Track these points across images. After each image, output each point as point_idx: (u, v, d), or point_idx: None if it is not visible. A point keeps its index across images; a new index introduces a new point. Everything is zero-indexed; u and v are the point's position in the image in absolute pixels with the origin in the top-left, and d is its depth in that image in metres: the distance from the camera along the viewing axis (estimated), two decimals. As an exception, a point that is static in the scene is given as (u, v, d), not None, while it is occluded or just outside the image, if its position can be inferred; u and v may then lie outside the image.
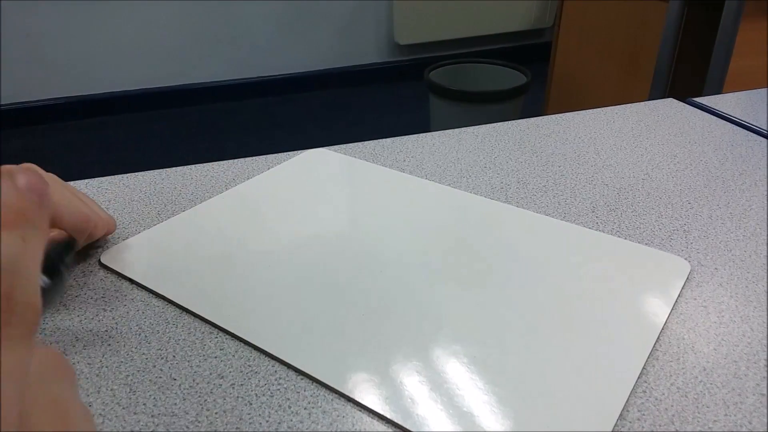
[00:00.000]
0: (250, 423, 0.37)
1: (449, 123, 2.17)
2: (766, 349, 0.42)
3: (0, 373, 0.19)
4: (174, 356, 0.42)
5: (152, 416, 0.37)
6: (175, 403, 0.38)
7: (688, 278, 0.49)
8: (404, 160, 0.67)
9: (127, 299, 0.47)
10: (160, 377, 0.40)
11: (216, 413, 0.38)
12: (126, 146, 2.47)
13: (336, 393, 0.39)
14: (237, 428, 0.37)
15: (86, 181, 0.64)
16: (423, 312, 0.45)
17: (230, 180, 0.64)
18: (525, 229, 0.55)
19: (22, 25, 2.45)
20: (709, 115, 0.79)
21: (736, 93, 0.85)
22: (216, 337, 0.43)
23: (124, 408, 0.38)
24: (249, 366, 0.41)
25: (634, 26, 1.83)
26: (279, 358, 0.41)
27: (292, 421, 0.37)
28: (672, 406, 0.38)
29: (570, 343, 0.42)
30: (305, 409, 0.38)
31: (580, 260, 0.50)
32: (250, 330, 0.43)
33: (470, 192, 0.61)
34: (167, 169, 0.66)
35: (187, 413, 0.38)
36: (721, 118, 0.78)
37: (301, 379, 0.40)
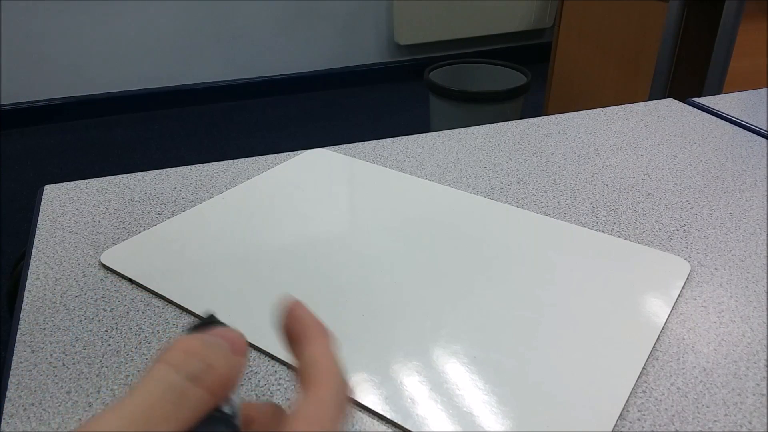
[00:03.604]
0: (250, 423, 0.37)
1: (449, 123, 2.16)
2: (766, 349, 0.42)
3: None
4: (174, 356, 0.42)
5: (152, 416, 0.37)
6: (175, 403, 0.38)
7: (688, 278, 0.49)
8: (404, 160, 0.67)
9: (127, 299, 0.47)
10: (160, 377, 0.40)
11: (216, 413, 0.38)
12: (126, 146, 2.47)
13: (336, 393, 0.39)
14: (237, 428, 0.37)
15: (86, 181, 0.64)
16: (423, 312, 0.45)
17: (230, 180, 0.64)
18: (525, 229, 0.55)
19: (22, 25, 2.45)
20: (709, 115, 0.79)
21: (736, 93, 0.85)
22: (216, 337, 0.43)
23: (124, 408, 0.38)
24: (249, 366, 0.41)
25: (634, 26, 1.83)
26: (279, 358, 0.41)
27: (292, 421, 0.37)
28: (672, 406, 0.38)
29: (570, 343, 0.42)
30: (305, 409, 0.38)
31: (580, 260, 0.50)
32: (250, 330, 0.43)
33: (470, 192, 0.61)
34: (167, 169, 0.66)
35: (187, 413, 0.37)
36: (721, 118, 0.78)
37: (301, 379, 0.40)
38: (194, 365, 0.20)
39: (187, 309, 0.46)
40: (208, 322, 0.23)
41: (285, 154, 0.68)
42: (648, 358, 0.41)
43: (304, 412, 0.21)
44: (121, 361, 0.41)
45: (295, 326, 0.24)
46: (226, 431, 0.20)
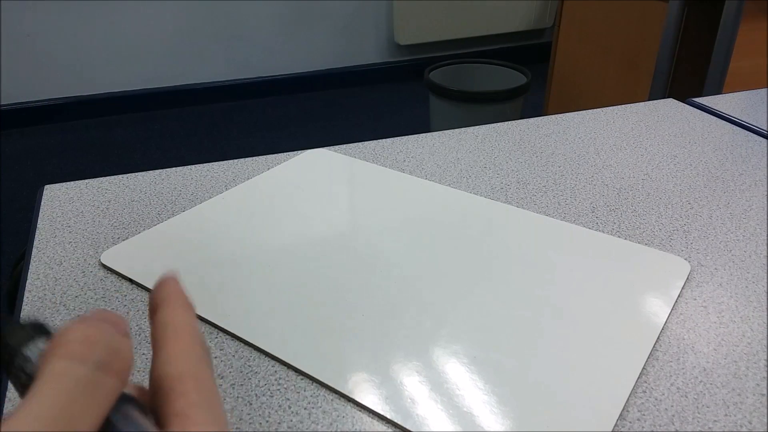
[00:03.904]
0: (250, 423, 0.37)
1: (449, 123, 2.16)
2: (766, 349, 0.42)
3: None
4: (174, 356, 0.42)
5: (152, 416, 0.37)
6: (175, 403, 0.38)
7: (688, 278, 0.49)
8: (404, 160, 0.67)
9: (127, 299, 0.47)
10: (160, 377, 0.40)
11: (216, 413, 0.37)
12: (126, 146, 2.47)
13: (336, 393, 0.39)
14: (237, 428, 0.37)
15: (86, 181, 0.64)
16: (423, 312, 0.45)
17: (230, 180, 0.64)
18: (525, 229, 0.55)
19: (22, 25, 2.45)
20: (709, 115, 0.79)
21: (736, 93, 0.85)
22: (216, 338, 0.43)
23: (124, 408, 0.38)
24: (249, 366, 0.41)
25: (634, 26, 1.83)
26: (279, 358, 0.41)
27: (292, 421, 0.37)
28: (672, 406, 0.38)
29: (570, 343, 0.42)
30: (305, 409, 0.38)
31: (580, 260, 0.50)
32: (250, 330, 0.43)
33: (470, 192, 0.61)
34: (167, 169, 0.66)
35: (187, 413, 0.37)
36: (721, 118, 0.78)
37: (301, 379, 0.40)
38: (100, 354, 0.19)
39: (187, 309, 0.46)
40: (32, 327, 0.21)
41: (285, 154, 0.68)
42: (648, 358, 0.41)
43: (162, 370, 0.21)
44: (121, 361, 0.41)
45: (158, 294, 0.24)
46: (139, 409, 0.20)
